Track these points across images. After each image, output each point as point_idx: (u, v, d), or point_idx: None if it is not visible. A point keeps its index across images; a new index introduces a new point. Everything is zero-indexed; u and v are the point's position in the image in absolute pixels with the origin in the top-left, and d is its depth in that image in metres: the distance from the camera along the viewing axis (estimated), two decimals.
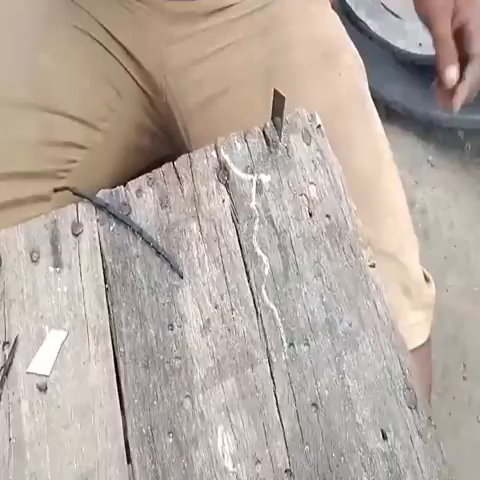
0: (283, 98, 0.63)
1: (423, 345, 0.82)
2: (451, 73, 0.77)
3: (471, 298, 1.62)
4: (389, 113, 1.68)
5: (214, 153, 0.66)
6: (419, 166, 1.73)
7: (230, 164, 0.65)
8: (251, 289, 0.59)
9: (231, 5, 0.86)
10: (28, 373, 0.56)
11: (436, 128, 1.72)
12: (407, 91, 1.65)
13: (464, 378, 1.55)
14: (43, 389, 0.55)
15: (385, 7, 1.66)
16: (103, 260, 0.61)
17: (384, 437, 0.53)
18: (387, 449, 0.53)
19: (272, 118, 0.66)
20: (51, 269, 0.61)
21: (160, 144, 0.95)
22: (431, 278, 0.87)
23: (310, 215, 0.62)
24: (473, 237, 1.69)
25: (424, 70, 1.61)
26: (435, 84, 0.80)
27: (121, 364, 0.57)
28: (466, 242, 1.68)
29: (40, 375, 0.56)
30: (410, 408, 0.54)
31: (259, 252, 0.61)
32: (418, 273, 0.84)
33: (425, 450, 0.53)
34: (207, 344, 0.57)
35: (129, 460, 0.53)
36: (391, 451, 0.53)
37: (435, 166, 1.74)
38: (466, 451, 1.43)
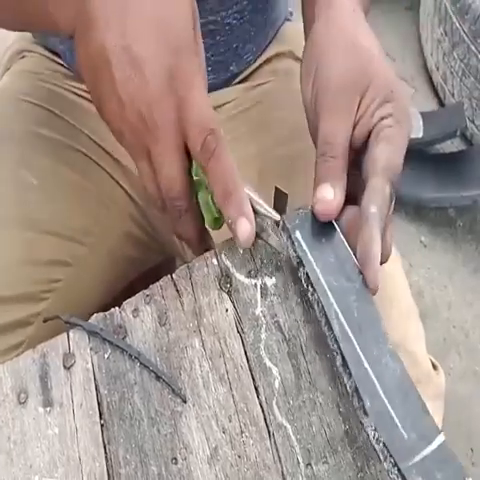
0: (286, 195, 0.58)
1: None
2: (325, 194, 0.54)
3: (473, 379, 1.56)
4: None
5: (215, 260, 0.61)
6: (412, 248, 1.73)
7: (232, 270, 0.60)
8: (261, 406, 0.52)
9: (228, 102, 0.84)
10: None
11: (426, 208, 1.73)
12: None
13: (473, 464, 1.46)
14: None
15: None
16: (98, 393, 0.55)
17: None
18: None
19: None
20: (41, 410, 0.55)
21: (150, 253, 0.90)
22: (439, 366, 0.80)
23: None
24: (471, 316, 1.65)
25: (407, 154, 1.58)
26: None
27: None
28: (465, 321, 1.65)
29: None
30: None
31: (268, 363, 0.54)
32: (426, 362, 0.77)
33: None
34: (216, 476, 0.50)
35: None
36: None
37: (428, 246, 1.74)
38: None
